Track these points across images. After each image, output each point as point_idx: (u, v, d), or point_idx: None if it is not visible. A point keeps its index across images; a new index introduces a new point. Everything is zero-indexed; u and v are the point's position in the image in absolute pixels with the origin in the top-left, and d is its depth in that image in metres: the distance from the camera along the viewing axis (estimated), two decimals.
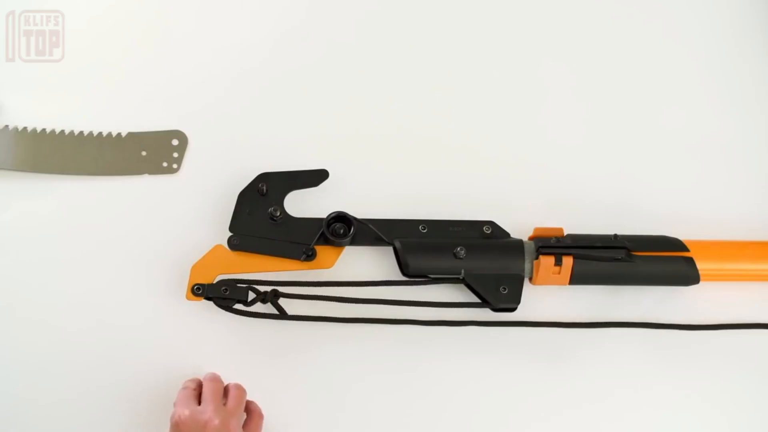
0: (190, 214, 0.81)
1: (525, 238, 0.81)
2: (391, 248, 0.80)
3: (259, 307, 0.78)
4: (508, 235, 0.81)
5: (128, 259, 0.80)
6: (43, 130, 0.82)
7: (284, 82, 0.87)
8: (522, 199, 0.84)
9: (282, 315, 0.78)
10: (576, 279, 0.79)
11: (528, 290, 0.79)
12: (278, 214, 0.79)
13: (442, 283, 0.80)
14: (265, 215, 0.79)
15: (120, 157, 0.82)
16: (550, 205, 0.84)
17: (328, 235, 0.78)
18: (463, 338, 0.79)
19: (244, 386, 0.74)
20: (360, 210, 0.80)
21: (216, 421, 0.69)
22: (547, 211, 0.83)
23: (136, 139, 0.83)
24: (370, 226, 0.79)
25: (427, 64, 0.89)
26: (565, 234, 0.80)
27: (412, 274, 0.79)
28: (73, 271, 0.79)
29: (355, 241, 0.80)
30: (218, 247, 0.79)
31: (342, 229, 0.79)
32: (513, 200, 0.84)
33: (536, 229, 0.81)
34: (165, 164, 0.83)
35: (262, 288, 0.78)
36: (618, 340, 0.80)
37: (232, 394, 0.73)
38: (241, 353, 0.78)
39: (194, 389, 0.73)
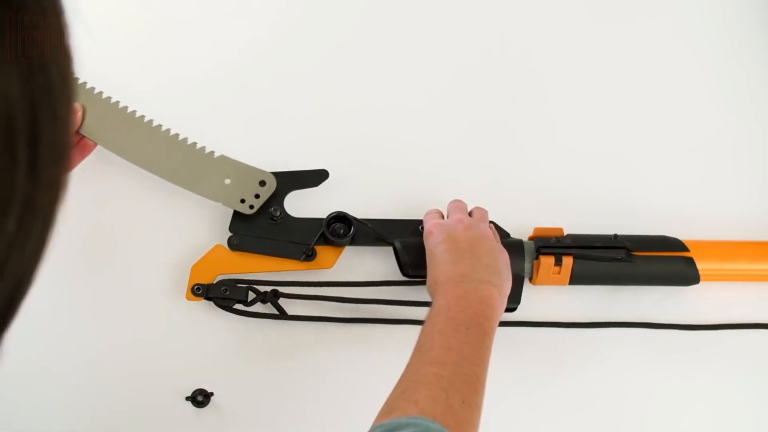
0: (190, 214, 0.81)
1: (525, 238, 0.81)
2: (391, 248, 0.80)
3: (259, 307, 0.78)
4: (508, 235, 0.81)
5: (128, 259, 0.80)
6: (133, 111, 0.79)
7: (284, 82, 0.87)
8: (522, 199, 0.84)
9: (282, 315, 0.78)
10: (576, 279, 0.79)
11: (528, 290, 0.79)
12: (278, 214, 0.79)
13: None
14: (265, 215, 0.79)
15: (199, 174, 0.78)
16: (550, 205, 0.84)
17: (328, 235, 0.78)
18: None
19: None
20: (360, 210, 0.80)
21: (466, 222, 0.73)
22: (547, 211, 0.83)
23: (227, 163, 0.79)
24: (370, 226, 0.79)
25: (428, 64, 0.89)
26: (565, 234, 0.80)
27: (412, 275, 0.79)
28: (73, 271, 0.79)
29: (355, 241, 0.80)
30: (218, 247, 0.79)
31: (342, 229, 0.79)
32: (513, 200, 0.84)
33: (536, 229, 0.81)
34: (243, 201, 0.78)
35: (262, 288, 0.78)
36: (618, 340, 0.80)
37: (476, 211, 0.77)
38: (241, 353, 0.78)
39: (440, 210, 0.78)
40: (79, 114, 0.76)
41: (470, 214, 0.77)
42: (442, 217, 0.77)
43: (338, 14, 0.91)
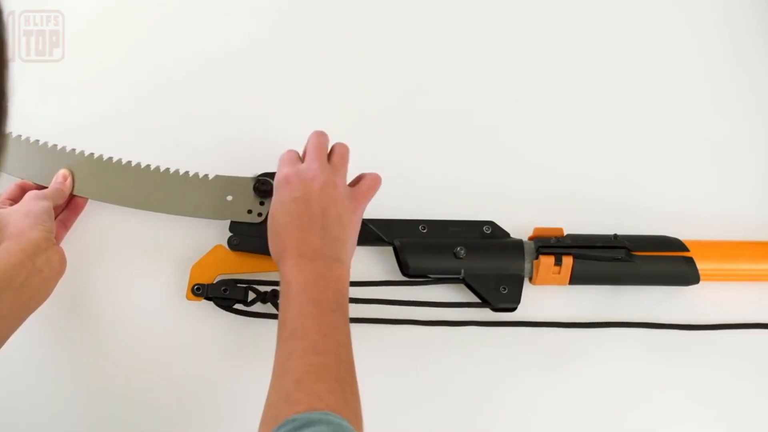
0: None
1: (525, 238, 0.81)
2: (391, 248, 0.80)
3: (259, 307, 0.78)
4: (508, 235, 0.81)
5: (128, 259, 0.80)
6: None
7: (283, 81, 0.87)
8: (522, 199, 0.84)
9: None
10: (576, 279, 0.79)
11: (528, 290, 0.79)
12: None
13: (442, 283, 0.80)
14: (265, 216, 0.79)
15: (199, 200, 0.79)
16: (550, 205, 0.84)
17: None
18: (463, 338, 0.79)
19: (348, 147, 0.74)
20: None
21: (322, 179, 0.70)
22: (547, 211, 0.83)
23: (224, 181, 0.80)
24: (370, 226, 0.79)
25: (428, 63, 0.89)
26: (565, 234, 0.80)
27: (412, 274, 0.79)
28: (73, 271, 0.79)
29: None
30: (218, 247, 0.79)
31: None
32: (513, 200, 0.84)
33: (536, 229, 0.81)
34: (250, 211, 0.79)
35: (262, 288, 0.78)
36: (618, 340, 0.80)
37: (336, 151, 0.74)
38: (241, 353, 0.78)
39: (297, 152, 0.74)
40: (68, 181, 0.78)
41: (330, 151, 0.74)
42: (299, 158, 0.73)
43: (336, 14, 0.90)
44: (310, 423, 0.54)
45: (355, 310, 0.78)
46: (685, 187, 0.86)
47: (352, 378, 0.62)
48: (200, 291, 0.77)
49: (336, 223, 0.69)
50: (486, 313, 0.80)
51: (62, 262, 0.72)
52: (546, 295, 0.81)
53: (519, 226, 0.81)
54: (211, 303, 0.77)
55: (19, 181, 0.79)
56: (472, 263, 0.78)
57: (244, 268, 0.78)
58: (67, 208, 0.79)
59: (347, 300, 0.68)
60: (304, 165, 0.72)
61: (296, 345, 0.62)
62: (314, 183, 0.70)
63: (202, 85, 0.87)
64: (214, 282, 0.78)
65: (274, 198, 0.72)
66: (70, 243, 0.79)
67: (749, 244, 0.82)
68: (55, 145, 0.80)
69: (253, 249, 0.78)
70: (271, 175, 0.76)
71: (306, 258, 0.67)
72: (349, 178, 0.75)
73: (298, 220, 0.68)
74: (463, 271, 0.78)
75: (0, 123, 0.30)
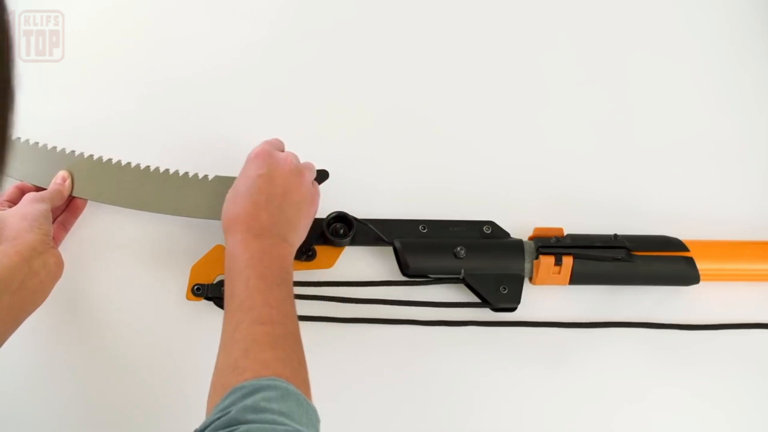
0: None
1: (525, 238, 0.81)
2: (391, 248, 0.80)
3: None
4: (508, 235, 0.81)
5: (128, 259, 0.80)
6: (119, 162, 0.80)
7: (283, 81, 0.87)
8: (522, 199, 0.84)
9: None
10: (576, 279, 0.79)
11: (528, 290, 0.79)
12: None
13: (442, 283, 0.80)
14: None
15: (198, 200, 0.79)
16: (550, 205, 0.84)
17: (329, 235, 0.78)
18: (463, 338, 0.79)
19: None
20: (360, 210, 0.80)
21: (293, 163, 0.72)
22: (547, 211, 0.83)
23: (223, 182, 0.79)
24: (370, 226, 0.79)
25: (428, 63, 0.89)
26: (565, 234, 0.80)
27: (412, 274, 0.79)
28: (73, 271, 0.79)
29: (355, 241, 0.80)
30: (218, 247, 0.79)
31: (342, 229, 0.79)
32: (513, 200, 0.84)
33: (536, 229, 0.81)
34: None
35: None
36: (618, 340, 0.80)
37: (307, 163, 0.76)
38: None
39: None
40: (68, 182, 0.78)
41: None
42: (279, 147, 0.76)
43: (336, 14, 0.91)
44: (258, 389, 0.55)
45: (355, 310, 0.79)
46: (685, 187, 0.86)
47: (299, 348, 0.63)
48: (200, 291, 0.77)
49: (293, 207, 0.71)
50: (486, 313, 0.80)
51: (59, 265, 0.72)
52: (546, 295, 0.81)
53: (519, 226, 0.81)
54: (211, 303, 0.77)
55: (18, 183, 0.79)
56: (472, 263, 0.78)
57: None
58: (67, 209, 0.79)
59: (291, 276, 0.68)
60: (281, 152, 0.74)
61: (244, 316, 0.63)
62: (284, 165, 0.72)
63: (202, 86, 0.87)
64: (214, 282, 0.78)
65: (241, 170, 0.73)
66: (69, 244, 0.79)
67: (749, 244, 0.82)
68: (54, 147, 0.80)
69: None
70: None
71: (252, 234, 0.68)
72: None
73: (256, 197, 0.70)
74: (463, 271, 0.78)
75: (6, 126, 0.30)
